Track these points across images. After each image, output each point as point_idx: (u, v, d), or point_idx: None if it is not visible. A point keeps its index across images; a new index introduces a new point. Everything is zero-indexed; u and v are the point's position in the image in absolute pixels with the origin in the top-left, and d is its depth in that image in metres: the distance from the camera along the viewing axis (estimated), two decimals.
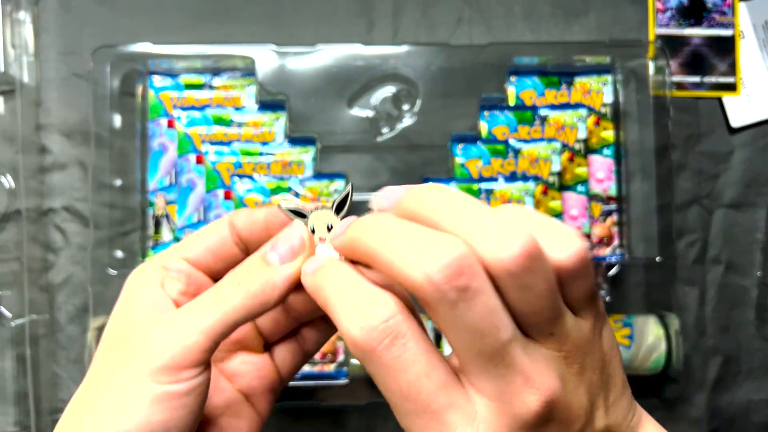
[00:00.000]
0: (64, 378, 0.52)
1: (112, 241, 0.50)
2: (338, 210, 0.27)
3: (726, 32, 0.55)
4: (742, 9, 0.55)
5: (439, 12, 0.54)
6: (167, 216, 0.50)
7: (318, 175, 0.49)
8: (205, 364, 0.25)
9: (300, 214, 0.27)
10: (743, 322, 0.54)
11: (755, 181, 0.55)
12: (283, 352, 0.31)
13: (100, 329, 0.48)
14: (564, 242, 0.22)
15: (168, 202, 0.50)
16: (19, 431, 0.51)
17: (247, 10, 0.53)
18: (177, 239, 0.49)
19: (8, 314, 0.50)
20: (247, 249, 0.29)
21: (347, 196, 0.27)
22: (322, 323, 0.31)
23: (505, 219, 0.22)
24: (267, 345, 0.31)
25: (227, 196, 0.49)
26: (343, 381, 0.48)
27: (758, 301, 0.54)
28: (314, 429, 0.52)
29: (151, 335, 0.25)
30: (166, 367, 0.24)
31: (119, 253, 0.50)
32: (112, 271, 0.49)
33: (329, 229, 0.27)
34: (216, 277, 0.29)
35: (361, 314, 0.22)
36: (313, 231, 0.27)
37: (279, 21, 0.54)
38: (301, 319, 0.31)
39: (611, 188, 0.51)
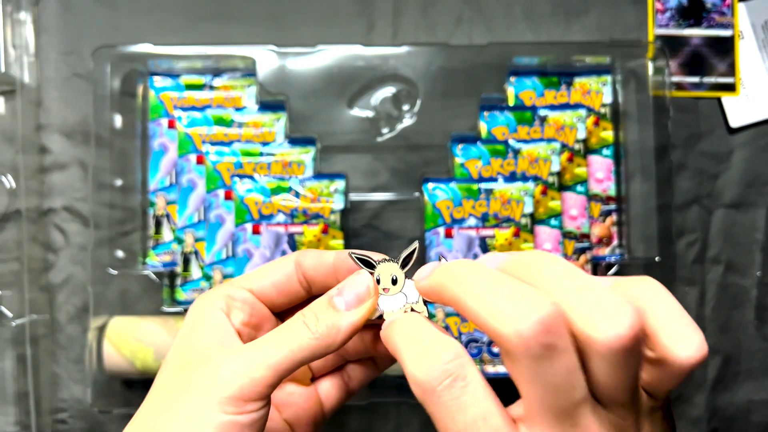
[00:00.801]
0: (64, 378, 0.52)
1: (112, 241, 0.50)
2: (404, 264, 0.29)
3: (725, 32, 0.55)
4: (741, 9, 0.55)
5: (439, 12, 0.54)
6: (168, 216, 0.50)
7: (318, 176, 0.49)
8: (268, 397, 0.26)
9: (368, 264, 0.29)
10: (743, 322, 0.54)
11: (755, 181, 0.55)
12: (329, 387, 0.33)
13: (101, 329, 0.48)
14: (686, 338, 0.22)
15: (168, 202, 0.50)
16: (19, 431, 0.51)
17: (248, 11, 0.54)
18: (177, 239, 0.49)
19: (9, 314, 0.51)
20: (309, 287, 0.31)
21: (413, 251, 0.29)
22: (369, 363, 0.33)
23: (608, 296, 0.22)
24: (313, 378, 0.33)
25: (228, 196, 0.49)
26: None
27: (758, 301, 0.54)
28: None
29: (221, 365, 0.26)
30: (234, 398, 0.25)
31: (120, 253, 0.50)
32: (113, 271, 0.49)
33: (394, 281, 0.28)
34: (276, 310, 0.31)
35: (426, 356, 0.23)
36: (378, 281, 0.28)
37: (279, 21, 0.54)
38: (348, 358, 0.33)
39: (610, 188, 0.51)
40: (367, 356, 0.33)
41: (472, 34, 0.54)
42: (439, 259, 0.28)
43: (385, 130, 0.52)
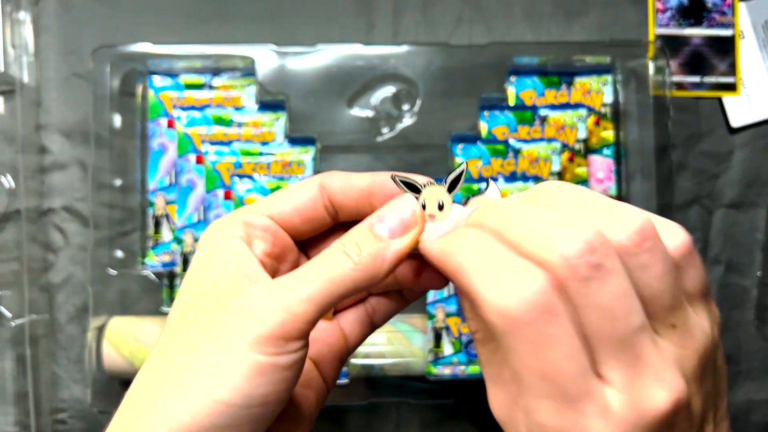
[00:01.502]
0: (63, 378, 0.52)
1: (112, 241, 0.50)
2: (451, 188, 0.26)
3: (726, 32, 0.55)
4: (742, 9, 0.55)
5: (439, 12, 0.54)
6: (167, 216, 0.50)
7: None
8: (307, 336, 0.24)
9: (412, 188, 0.26)
10: (743, 322, 0.54)
11: (755, 181, 0.55)
12: (351, 321, 0.31)
13: (100, 329, 0.48)
14: (673, 233, 0.23)
15: (168, 202, 0.50)
16: (18, 431, 0.51)
17: (247, 10, 0.54)
18: (177, 239, 0.49)
19: (8, 314, 0.51)
20: (335, 213, 0.28)
21: (461, 174, 0.26)
22: (395, 296, 0.31)
23: (622, 205, 0.22)
24: (335, 312, 0.31)
25: (227, 196, 0.49)
26: (343, 381, 0.48)
27: (758, 302, 0.54)
28: (314, 428, 0.52)
29: (255, 299, 0.23)
30: (274, 337, 0.22)
31: (119, 253, 0.50)
32: (112, 271, 0.49)
33: (440, 207, 0.26)
34: (298, 238, 0.28)
35: (512, 284, 0.20)
36: (423, 207, 0.26)
37: (279, 21, 0.54)
38: (374, 291, 0.31)
39: (611, 188, 0.51)
40: (396, 288, 0.30)
41: (473, 33, 0.54)
42: (487, 183, 0.26)
43: (385, 130, 0.52)
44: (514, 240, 0.21)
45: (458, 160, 0.49)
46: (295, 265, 0.28)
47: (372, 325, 0.31)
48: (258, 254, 0.26)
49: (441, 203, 0.26)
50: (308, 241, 0.29)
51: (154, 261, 0.50)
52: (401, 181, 0.26)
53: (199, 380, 0.22)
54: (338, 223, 0.29)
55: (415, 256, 0.26)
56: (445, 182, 0.26)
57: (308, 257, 0.29)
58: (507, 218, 0.22)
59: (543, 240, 0.21)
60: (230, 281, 0.24)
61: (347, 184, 0.27)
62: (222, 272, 0.25)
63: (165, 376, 0.23)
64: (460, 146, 0.50)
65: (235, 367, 0.22)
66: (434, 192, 0.26)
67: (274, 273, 0.27)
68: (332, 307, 0.24)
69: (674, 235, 0.22)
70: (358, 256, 0.24)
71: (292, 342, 0.23)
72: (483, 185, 0.26)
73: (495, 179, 0.26)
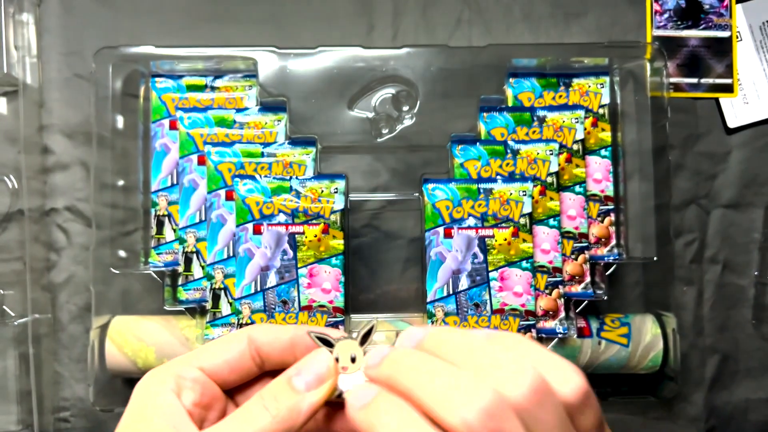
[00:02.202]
0: (66, 377, 0.52)
1: (114, 241, 0.50)
2: (363, 341, 0.28)
3: (723, 34, 0.55)
4: (739, 11, 0.55)
5: (438, 14, 0.54)
6: (169, 216, 0.50)
7: (319, 176, 0.50)
8: None
9: (326, 342, 0.28)
10: (740, 322, 0.55)
11: (752, 182, 0.55)
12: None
13: (103, 328, 0.49)
14: (566, 378, 0.24)
15: (170, 203, 0.50)
16: (21, 430, 0.51)
17: (249, 13, 0.54)
18: (179, 239, 0.50)
19: (11, 313, 0.51)
20: (262, 363, 0.30)
21: (371, 329, 0.28)
22: None
23: (513, 358, 0.24)
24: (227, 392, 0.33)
25: (229, 197, 0.49)
26: None
27: (755, 301, 0.55)
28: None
29: None
30: None
31: (121, 253, 0.51)
32: (115, 271, 0.50)
33: (353, 360, 0.28)
34: (226, 387, 0.30)
35: None
36: (336, 360, 0.28)
37: (280, 23, 0.54)
38: None
39: (609, 188, 0.52)
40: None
41: (472, 35, 0.54)
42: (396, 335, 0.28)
43: (385, 131, 0.52)
44: (424, 405, 0.23)
45: (457, 161, 0.49)
46: (223, 413, 0.30)
47: None
48: (187, 405, 0.28)
49: (353, 356, 0.28)
50: (237, 388, 0.31)
51: (157, 261, 0.50)
52: (317, 337, 0.28)
53: None
54: (265, 371, 0.31)
55: (328, 403, 0.28)
56: (357, 337, 0.28)
57: (235, 403, 0.31)
58: (411, 380, 0.24)
59: (448, 406, 0.23)
60: None
61: (274, 336, 0.29)
62: (152, 425, 0.26)
63: None
64: (460, 147, 0.50)
65: None
66: (347, 346, 0.28)
67: (201, 421, 0.29)
68: None
69: (568, 381, 0.24)
70: (276, 408, 0.26)
71: None
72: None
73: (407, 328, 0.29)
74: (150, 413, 0.27)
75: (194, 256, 0.50)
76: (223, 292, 0.48)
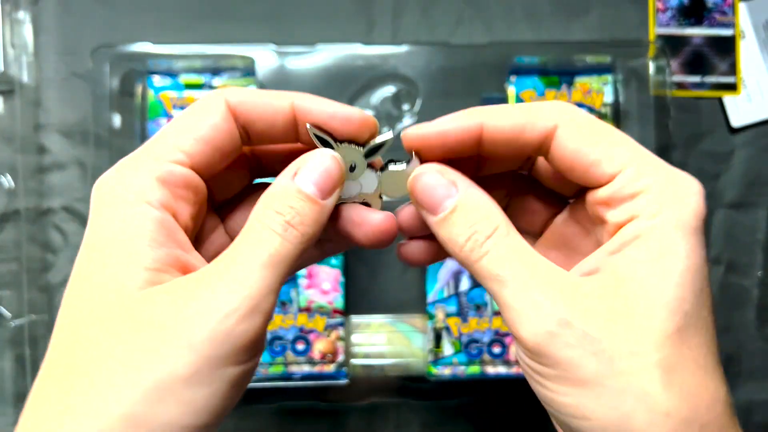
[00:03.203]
0: None
1: None
2: (369, 153, 0.25)
3: (726, 32, 0.55)
4: (742, 9, 0.55)
5: (439, 11, 0.54)
6: None
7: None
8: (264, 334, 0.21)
9: (326, 143, 0.24)
10: (744, 323, 0.54)
11: (756, 181, 0.55)
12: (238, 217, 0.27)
13: None
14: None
15: None
16: None
17: (247, 10, 0.53)
18: None
19: (7, 314, 0.50)
20: (248, 139, 0.24)
21: (383, 144, 0.25)
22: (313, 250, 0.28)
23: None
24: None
25: None
26: (343, 381, 0.48)
27: (759, 302, 0.54)
28: (314, 429, 0.52)
29: (203, 303, 0.19)
30: (245, 342, 0.20)
31: None
32: None
33: (352, 168, 0.25)
34: (211, 173, 0.24)
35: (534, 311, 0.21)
36: None
37: (279, 21, 0.54)
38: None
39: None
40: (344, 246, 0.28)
41: (473, 33, 0.54)
42: (410, 156, 0.25)
43: (385, 130, 0.52)
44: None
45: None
46: (204, 215, 0.24)
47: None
48: (183, 223, 0.22)
49: (353, 165, 0.25)
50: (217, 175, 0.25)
51: None
52: (317, 136, 0.24)
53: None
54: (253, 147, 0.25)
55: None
56: (363, 147, 0.25)
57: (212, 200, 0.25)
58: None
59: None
60: (142, 286, 0.19)
61: (268, 110, 0.24)
62: (126, 271, 0.20)
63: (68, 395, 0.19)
64: None
65: (192, 397, 0.19)
66: (350, 152, 0.25)
67: (193, 234, 0.23)
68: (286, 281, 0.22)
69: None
70: (302, 225, 0.22)
71: (261, 342, 0.21)
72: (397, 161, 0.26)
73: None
74: (121, 251, 0.20)
75: None
76: None
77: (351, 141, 0.25)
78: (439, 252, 0.26)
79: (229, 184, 0.25)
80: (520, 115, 0.23)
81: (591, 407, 0.20)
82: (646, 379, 0.20)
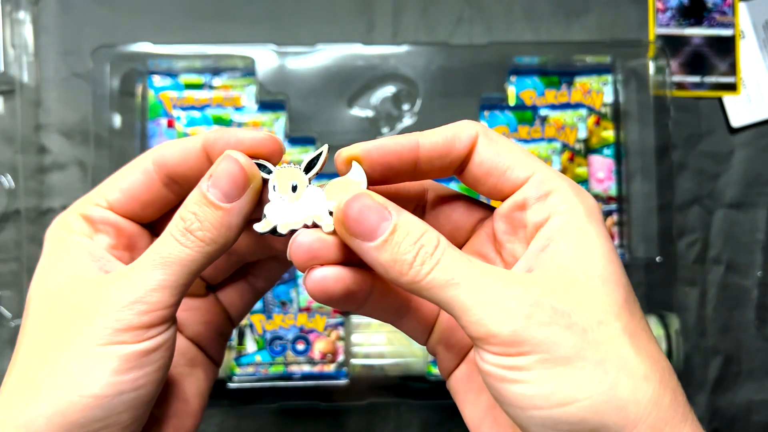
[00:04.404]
0: None
1: None
2: (308, 169, 0.25)
3: (726, 32, 0.55)
4: (742, 9, 0.55)
5: (439, 11, 0.54)
6: None
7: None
8: (171, 319, 0.24)
9: (262, 168, 0.25)
10: (744, 322, 0.54)
11: (756, 181, 0.55)
12: (231, 294, 0.30)
13: None
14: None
15: None
16: None
17: (247, 10, 0.53)
18: None
19: (8, 314, 0.50)
20: (180, 189, 0.26)
21: (319, 156, 0.25)
22: (272, 263, 0.30)
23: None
24: (211, 287, 0.30)
25: None
26: (343, 381, 0.48)
27: (759, 301, 0.54)
28: (314, 429, 0.52)
29: (108, 294, 0.23)
30: (132, 328, 0.22)
31: None
32: None
33: (294, 188, 0.24)
34: (146, 221, 0.27)
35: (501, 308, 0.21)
36: (273, 188, 0.24)
37: (279, 21, 0.54)
38: (245, 260, 0.30)
39: (611, 188, 0.51)
40: (267, 255, 0.29)
41: (473, 33, 0.54)
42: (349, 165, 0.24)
43: (385, 130, 0.52)
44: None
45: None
46: (132, 243, 0.27)
47: (255, 293, 0.31)
48: (104, 248, 0.25)
49: (294, 185, 0.25)
50: (159, 219, 0.28)
51: None
52: (254, 162, 0.24)
53: (65, 380, 0.22)
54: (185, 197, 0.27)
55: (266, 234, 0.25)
56: (301, 164, 0.25)
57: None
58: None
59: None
60: (83, 280, 0.24)
61: (180, 153, 0.25)
62: (73, 271, 0.24)
63: (30, 379, 0.23)
64: None
65: (99, 361, 0.22)
66: (287, 174, 0.25)
67: (126, 263, 0.26)
68: (189, 286, 0.24)
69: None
70: (201, 230, 0.23)
71: (153, 328, 0.23)
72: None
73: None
74: (68, 262, 0.24)
75: None
76: None
77: (285, 164, 0.25)
78: (361, 281, 0.25)
79: (159, 209, 0.28)
80: (448, 131, 0.25)
81: (578, 384, 0.20)
82: (619, 345, 0.21)
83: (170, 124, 0.50)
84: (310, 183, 0.25)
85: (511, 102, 0.51)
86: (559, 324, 0.21)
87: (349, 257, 0.24)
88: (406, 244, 0.22)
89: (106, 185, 0.26)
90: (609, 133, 0.51)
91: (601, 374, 0.20)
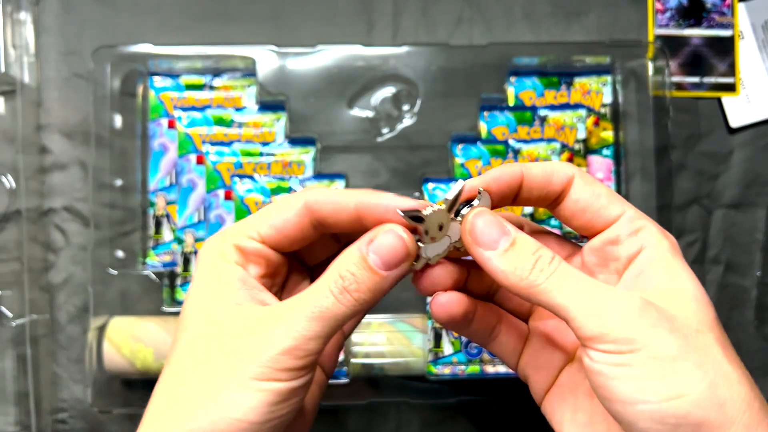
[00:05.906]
0: (64, 378, 0.52)
1: (112, 241, 0.50)
2: (450, 208, 0.28)
3: (725, 33, 0.55)
4: (741, 9, 0.55)
5: (439, 12, 0.54)
6: (168, 216, 0.50)
7: (318, 176, 0.49)
8: (317, 361, 0.27)
9: (417, 219, 0.27)
10: (743, 322, 0.54)
11: (755, 181, 0.55)
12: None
13: (101, 329, 0.48)
14: None
15: (168, 202, 0.50)
16: (19, 431, 0.51)
17: (248, 11, 0.54)
18: (177, 239, 0.49)
19: (9, 314, 0.51)
20: (325, 230, 0.29)
21: (459, 192, 0.28)
22: None
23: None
24: None
25: (228, 196, 0.49)
26: (343, 381, 0.48)
27: (758, 301, 0.54)
28: (314, 429, 0.52)
29: (268, 335, 0.25)
30: (288, 368, 0.25)
31: (120, 253, 0.50)
32: (113, 271, 0.49)
33: (440, 228, 0.28)
34: (288, 251, 0.30)
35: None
36: (426, 232, 0.27)
37: (279, 21, 0.54)
38: None
39: (611, 188, 0.51)
40: None
41: (472, 34, 0.54)
42: (479, 192, 0.28)
43: (385, 130, 0.52)
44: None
45: (457, 160, 0.48)
46: (285, 276, 0.31)
47: (344, 335, 0.34)
48: (254, 276, 0.28)
49: (441, 225, 0.28)
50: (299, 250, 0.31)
51: (155, 261, 0.50)
52: (407, 215, 0.27)
53: (225, 403, 0.25)
54: (324, 234, 0.30)
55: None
56: (446, 205, 0.28)
57: (300, 260, 0.32)
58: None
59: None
60: (238, 309, 0.26)
61: (336, 207, 0.28)
62: (228, 299, 0.27)
63: (188, 397, 0.25)
64: (460, 147, 0.50)
65: (256, 393, 0.25)
66: (436, 217, 0.28)
67: (269, 288, 0.29)
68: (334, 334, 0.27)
69: None
70: (358, 292, 0.26)
71: (303, 370, 0.26)
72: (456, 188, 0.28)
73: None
74: (224, 288, 0.27)
75: (193, 257, 0.49)
76: None
77: (433, 210, 0.27)
78: (471, 304, 0.30)
79: (314, 252, 0.32)
80: (547, 166, 0.29)
81: (684, 381, 0.23)
82: (714, 352, 0.24)
83: (171, 125, 0.50)
84: (453, 219, 0.28)
85: (511, 102, 0.51)
86: (665, 327, 0.24)
87: (459, 285, 0.30)
88: (526, 254, 0.26)
89: (257, 220, 0.29)
90: (608, 134, 0.51)
91: (701, 374, 0.23)
